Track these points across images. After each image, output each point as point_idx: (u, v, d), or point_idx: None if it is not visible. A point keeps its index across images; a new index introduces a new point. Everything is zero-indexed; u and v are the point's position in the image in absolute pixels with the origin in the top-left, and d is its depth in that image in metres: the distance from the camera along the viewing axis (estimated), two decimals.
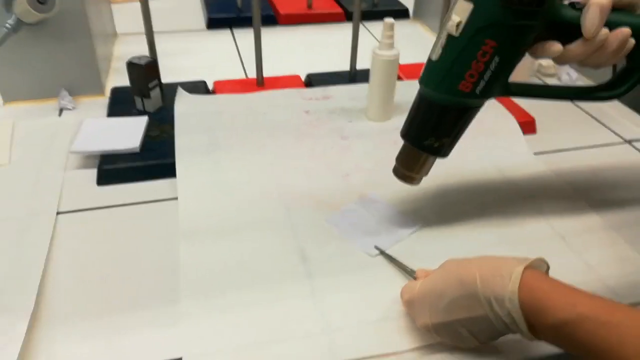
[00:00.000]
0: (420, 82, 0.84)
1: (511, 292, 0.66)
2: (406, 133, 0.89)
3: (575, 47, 0.78)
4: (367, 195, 1.06)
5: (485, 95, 0.82)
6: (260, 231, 0.96)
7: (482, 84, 0.80)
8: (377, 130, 1.22)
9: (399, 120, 0.94)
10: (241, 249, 0.93)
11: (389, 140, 1.14)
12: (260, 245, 0.93)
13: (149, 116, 1.21)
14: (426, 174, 0.92)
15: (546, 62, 1.48)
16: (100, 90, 1.30)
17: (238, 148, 1.14)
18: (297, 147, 1.16)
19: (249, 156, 1.12)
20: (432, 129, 0.86)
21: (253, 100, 1.27)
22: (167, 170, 1.08)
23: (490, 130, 1.23)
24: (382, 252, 0.94)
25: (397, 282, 0.88)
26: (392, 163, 0.94)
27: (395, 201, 1.04)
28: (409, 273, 0.87)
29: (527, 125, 1.27)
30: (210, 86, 1.37)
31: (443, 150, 0.88)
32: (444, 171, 1.09)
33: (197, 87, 1.34)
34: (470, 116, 0.85)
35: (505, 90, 0.83)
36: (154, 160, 1.10)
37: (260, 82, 1.35)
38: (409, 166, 0.91)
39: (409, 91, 0.92)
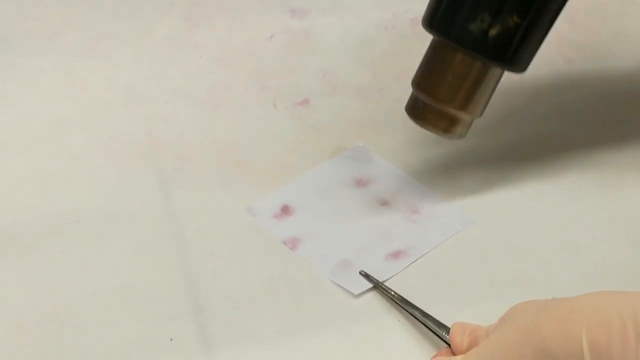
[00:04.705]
0: None
1: None
2: (432, 14, 0.54)
3: None
4: (349, 151, 0.64)
5: None
6: (91, 243, 0.56)
7: None
8: None
9: None
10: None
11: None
12: (94, 282, 0.54)
13: None
14: (479, 112, 0.55)
15: None
16: None
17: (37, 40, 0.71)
18: (186, 37, 0.73)
19: (66, 60, 0.70)
20: None
21: None
22: None
23: None
24: (378, 285, 0.53)
25: (408, 353, 0.51)
26: (414, 70, 0.57)
27: (414, 165, 0.62)
28: (437, 332, 0.50)
29: None
30: None
31: (512, 46, 0.52)
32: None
33: None
34: None
35: None
36: None
37: None
38: (443, 90, 0.54)
39: None
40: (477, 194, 0.59)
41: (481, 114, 0.55)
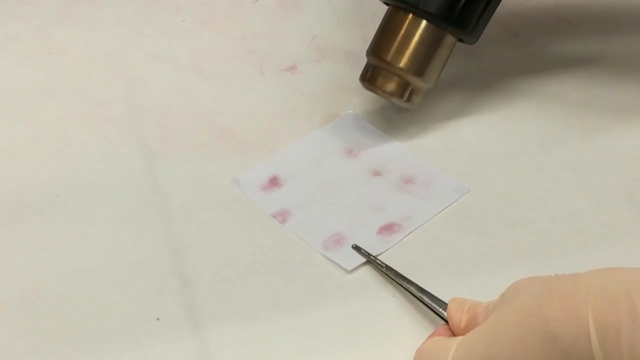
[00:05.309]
0: None
1: None
2: None
3: None
4: (339, 119, 0.61)
5: None
6: (72, 217, 0.53)
7: None
8: None
9: None
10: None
11: None
12: (78, 253, 0.52)
13: None
14: (428, 77, 0.55)
15: None
16: None
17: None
18: (168, 0, 0.70)
19: (42, 24, 0.67)
20: None
21: None
22: None
23: None
24: (371, 259, 0.50)
25: (404, 330, 0.48)
26: None
27: (407, 133, 0.59)
28: (434, 308, 0.47)
29: None
30: None
31: (454, 6, 0.53)
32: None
33: None
34: None
35: None
36: None
37: None
38: (390, 49, 0.55)
39: None
40: (472, 162, 0.56)
41: (431, 81, 0.55)
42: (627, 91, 0.62)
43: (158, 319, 0.47)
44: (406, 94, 0.55)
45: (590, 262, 0.49)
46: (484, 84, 0.62)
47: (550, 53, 0.65)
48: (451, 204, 0.53)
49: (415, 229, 0.52)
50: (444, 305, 0.45)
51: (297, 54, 0.65)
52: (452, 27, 0.54)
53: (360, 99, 0.61)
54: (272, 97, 0.61)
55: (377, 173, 0.55)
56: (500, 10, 0.56)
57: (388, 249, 0.51)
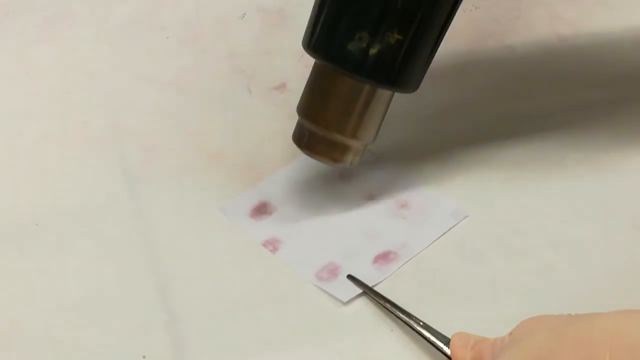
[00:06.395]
0: None
1: None
2: (310, 35, 0.51)
3: None
4: None
5: None
6: (51, 248, 0.53)
7: None
8: None
9: None
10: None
11: None
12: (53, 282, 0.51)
13: None
14: (370, 137, 0.52)
15: None
16: None
17: None
18: (151, 18, 0.69)
19: (19, 43, 0.67)
20: (358, 12, 0.49)
21: None
22: None
23: None
24: (367, 291, 0.49)
25: None
26: None
27: (401, 154, 0.58)
28: (435, 344, 0.46)
29: None
30: None
31: (395, 65, 0.50)
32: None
33: None
34: None
35: None
36: None
37: None
38: (329, 117, 0.51)
39: None
40: (470, 185, 0.55)
41: (374, 139, 0.52)
42: (630, 113, 0.61)
43: (144, 357, 0.46)
44: (348, 158, 0.51)
45: (595, 291, 0.48)
46: (481, 109, 0.61)
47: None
48: (449, 229, 0.52)
49: (413, 257, 0.50)
50: (446, 340, 0.43)
51: (286, 71, 0.64)
52: (392, 86, 0.50)
53: None
54: (260, 118, 0.60)
55: (371, 197, 0.53)
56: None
57: (384, 279, 0.49)
